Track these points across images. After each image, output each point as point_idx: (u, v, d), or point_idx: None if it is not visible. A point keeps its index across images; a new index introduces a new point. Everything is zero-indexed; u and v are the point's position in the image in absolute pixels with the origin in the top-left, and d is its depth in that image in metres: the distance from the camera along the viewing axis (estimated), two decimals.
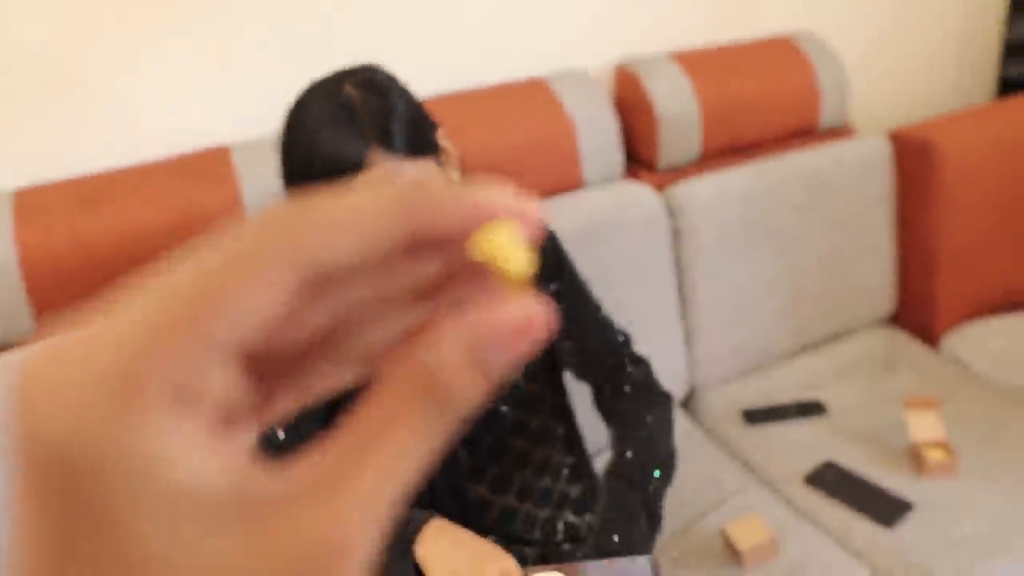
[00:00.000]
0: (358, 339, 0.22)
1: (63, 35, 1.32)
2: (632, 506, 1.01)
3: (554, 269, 1.14)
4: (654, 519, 1.03)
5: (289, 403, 0.21)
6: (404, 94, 0.94)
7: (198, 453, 0.17)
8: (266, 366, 0.20)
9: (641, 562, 0.91)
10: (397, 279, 0.20)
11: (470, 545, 0.92)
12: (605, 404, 1.17)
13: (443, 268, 0.21)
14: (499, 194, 0.20)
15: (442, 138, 0.99)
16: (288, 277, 0.18)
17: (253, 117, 1.47)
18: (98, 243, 1.25)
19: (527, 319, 0.19)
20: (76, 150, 1.37)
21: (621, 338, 1.19)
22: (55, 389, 0.17)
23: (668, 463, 1.09)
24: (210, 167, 1.35)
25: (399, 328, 0.22)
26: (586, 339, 1.17)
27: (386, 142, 0.89)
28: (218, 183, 1.33)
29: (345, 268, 0.19)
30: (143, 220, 1.28)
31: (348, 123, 0.89)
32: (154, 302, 0.18)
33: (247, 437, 0.20)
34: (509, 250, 0.19)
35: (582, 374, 1.20)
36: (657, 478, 1.06)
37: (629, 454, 1.07)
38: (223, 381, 0.18)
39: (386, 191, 0.19)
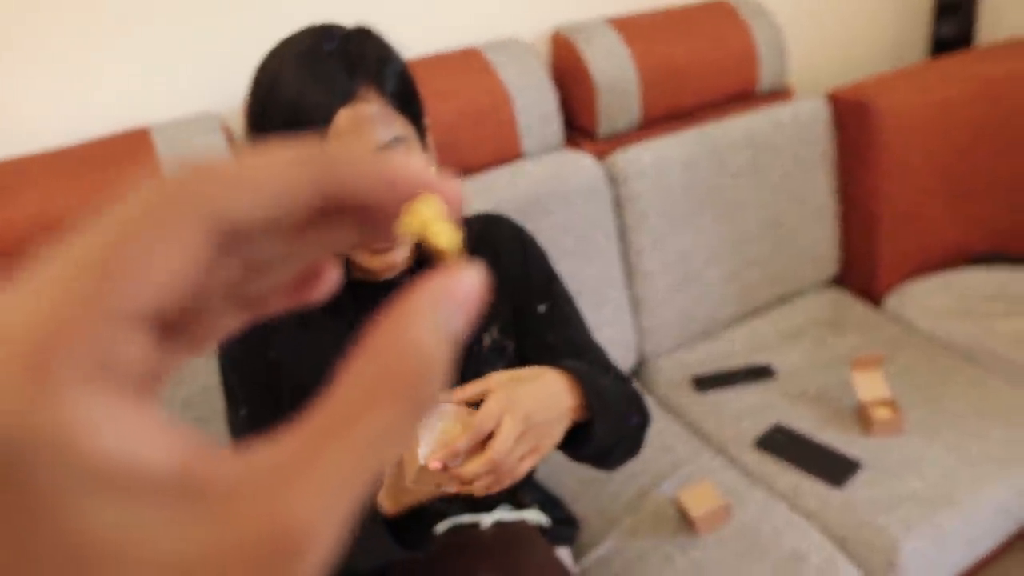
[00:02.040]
0: (249, 285, 0.21)
1: None
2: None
3: (543, 289, 1.08)
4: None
5: (182, 355, 0.20)
6: (398, 53, 0.91)
7: (124, 425, 0.16)
8: (167, 321, 0.19)
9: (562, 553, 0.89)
10: (308, 240, 0.20)
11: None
12: None
13: (356, 236, 0.21)
14: (417, 168, 0.20)
15: (427, 125, 0.95)
16: (197, 235, 0.17)
17: (173, 95, 1.40)
18: (13, 233, 1.18)
19: (472, 286, 0.19)
20: None
21: (605, 358, 1.10)
22: None
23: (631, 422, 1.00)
24: (130, 150, 1.28)
25: (291, 271, 0.22)
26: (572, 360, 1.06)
27: (379, 83, 0.85)
28: (139, 166, 1.27)
29: (255, 224, 0.18)
30: (61, 208, 1.21)
31: (332, 57, 0.84)
32: (61, 271, 0.16)
33: (157, 399, 0.18)
34: (437, 225, 0.20)
35: None
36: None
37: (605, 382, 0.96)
38: (137, 349, 0.17)
39: (298, 150, 0.19)
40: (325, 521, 0.16)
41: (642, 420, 1.02)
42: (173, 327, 0.19)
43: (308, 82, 0.82)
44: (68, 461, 0.15)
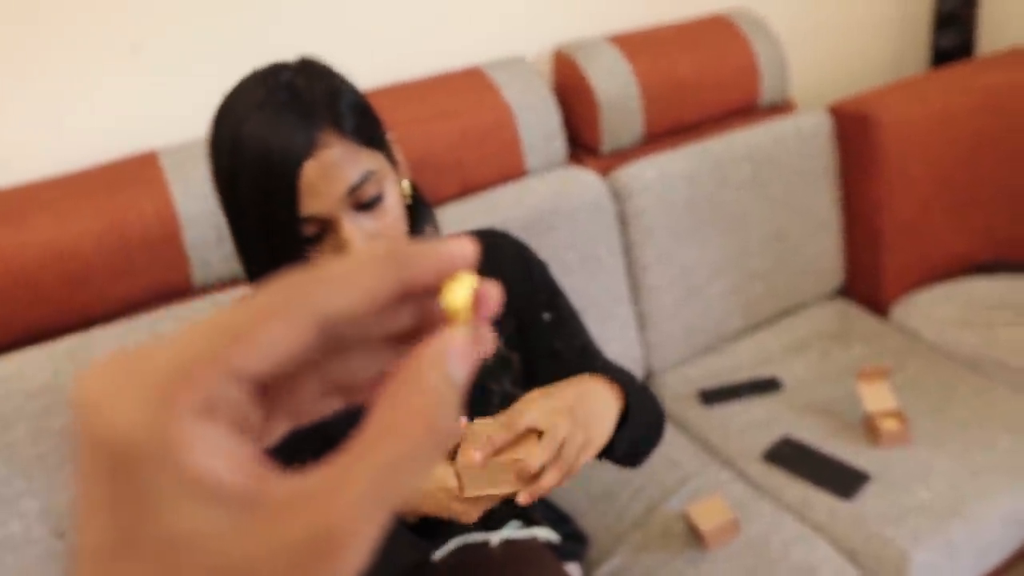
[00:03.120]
0: (345, 373, 0.27)
1: None
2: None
3: (548, 300, 1.10)
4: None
5: (285, 424, 0.26)
6: (347, 80, 0.91)
7: (216, 451, 0.21)
8: (274, 392, 0.25)
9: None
10: (382, 324, 0.26)
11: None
12: None
13: (414, 318, 0.27)
14: (457, 247, 0.26)
15: (391, 140, 0.95)
16: (302, 324, 0.23)
17: (179, 119, 1.42)
18: (23, 258, 1.20)
19: (476, 338, 0.25)
20: None
21: (613, 364, 1.12)
22: (114, 396, 0.21)
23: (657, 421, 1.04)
24: (138, 173, 1.30)
25: (379, 368, 0.28)
26: (574, 370, 1.05)
27: (337, 123, 0.85)
28: (147, 189, 1.28)
29: (347, 316, 0.23)
30: (71, 232, 1.23)
31: (287, 108, 0.83)
32: (205, 332, 0.22)
33: (255, 446, 0.24)
34: (464, 295, 0.26)
35: None
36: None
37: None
38: (238, 399, 0.23)
39: (377, 255, 0.24)
40: (358, 527, 0.21)
41: (661, 409, 1.06)
42: (270, 392, 0.25)
43: (269, 143, 0.82)
44: (171, 469, 0.21)
